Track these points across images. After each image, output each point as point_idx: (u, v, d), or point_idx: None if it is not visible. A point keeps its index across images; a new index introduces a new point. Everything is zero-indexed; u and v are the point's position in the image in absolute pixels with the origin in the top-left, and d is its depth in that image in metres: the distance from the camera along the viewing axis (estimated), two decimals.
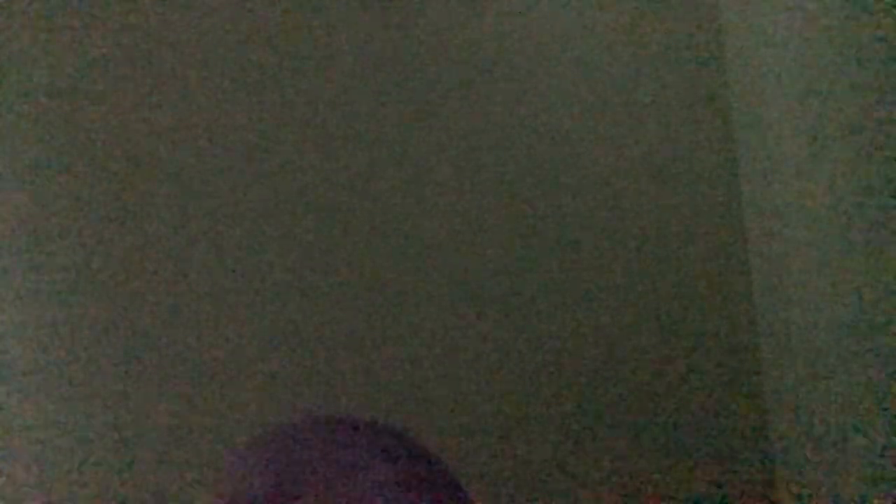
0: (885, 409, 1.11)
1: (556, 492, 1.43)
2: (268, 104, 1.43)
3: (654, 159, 1.46)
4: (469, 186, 1.45)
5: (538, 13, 1.46)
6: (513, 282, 1.45)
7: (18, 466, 1.38)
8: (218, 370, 1.41)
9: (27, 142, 1.40)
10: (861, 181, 1.12)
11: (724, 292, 1.47)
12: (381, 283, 1.43)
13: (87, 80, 1.41)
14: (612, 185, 1.46)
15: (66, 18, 1.40)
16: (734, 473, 1.46)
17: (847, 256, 1.17)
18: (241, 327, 1.42)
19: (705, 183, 1.47)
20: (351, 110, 1.44)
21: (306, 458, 0.96)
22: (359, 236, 1.43)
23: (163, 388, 1.41)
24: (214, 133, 1.42)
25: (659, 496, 1.45)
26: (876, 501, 1.15)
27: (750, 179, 1.43)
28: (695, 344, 1.46)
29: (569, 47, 1.47)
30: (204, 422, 1.41)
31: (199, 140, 1.42)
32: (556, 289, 1.45)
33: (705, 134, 1.47)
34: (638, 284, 1.46)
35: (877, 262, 1.11)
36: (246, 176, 1.42)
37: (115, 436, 1.40)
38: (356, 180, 1.43)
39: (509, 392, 1.44)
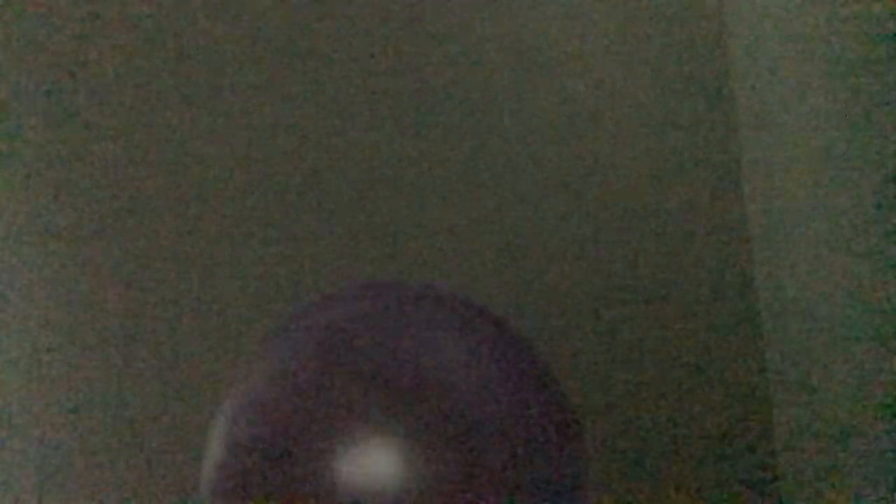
0: (890, 408, 1.11)
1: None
2: (260, 119, 1.43)
3: (657, 157, 1.46)
4: (467, 185, 1.45)
5: (540, 10, 1.46)
6: (513, 279, 1.44)
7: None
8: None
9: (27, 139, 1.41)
10: (867, 177, 1.11)
11: (727, 292, 1.46)
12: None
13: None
14: (612, 182, 1.46)
15: (65, 17, 1.41)
16: (737, 473, 1.45)
17: (852, 253, 1.16)
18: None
19: (708, 182, 1.46)
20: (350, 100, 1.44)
21: (360, 330, 0.76)
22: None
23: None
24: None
25: (662, 495, 1.44)
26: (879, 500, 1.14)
27: (753, 178, 1.43)
28: (697, 342, 1.46)
29: (570, 43, 1.46)
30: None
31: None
32: (554, 293, 1.45)
33: (708, 130, 1.47)
34: (639, 286, 1.45)
35: (881, 260, 1.10)
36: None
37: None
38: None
39: None
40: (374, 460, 0.70)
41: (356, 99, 1.44)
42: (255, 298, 1.42)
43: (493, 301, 1.44)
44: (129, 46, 1.42)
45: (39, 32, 1.41)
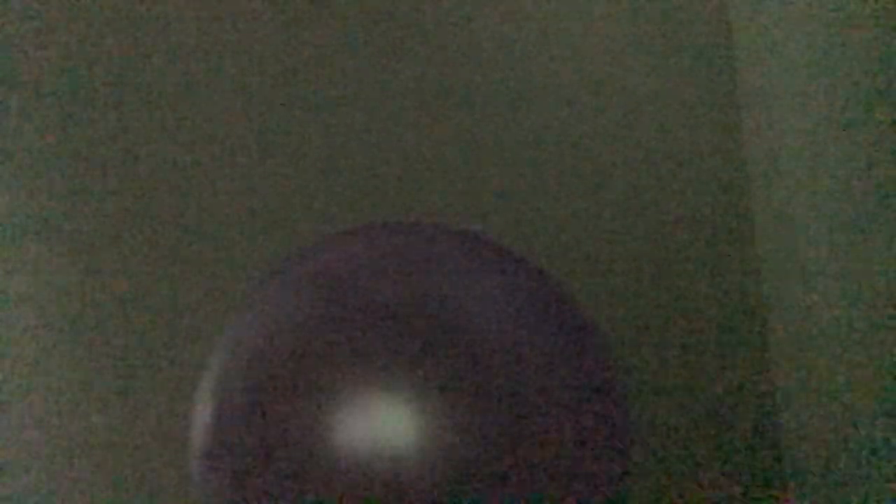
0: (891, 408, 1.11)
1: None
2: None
3: (661, 152, 1.46)
4: (468, 181, 1.44)
5: (543, 7, 1.45)
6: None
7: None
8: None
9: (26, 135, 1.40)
10: (872, 172, 1.11)
11: (733, 290, 1.46)
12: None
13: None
14: (615, 179, 1.45)
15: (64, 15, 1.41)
16: (743, 473, 1.45)
17: (859, 249, 1.16)
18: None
19: (712, 177, 1.46)
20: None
21: (368, 271, 0.60)
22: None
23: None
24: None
25: (668, 496, 1.44)
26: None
27: (758, 173, 1.42)
28: (703, 340, 1.46)
29: (574, 40, 1.46)
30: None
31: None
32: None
33: (712, 124, 1.46)
34: (644, 284, 1.45)
35: (884, 260, 1.10)
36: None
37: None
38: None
39: None
40: (388, 420, 0.57)
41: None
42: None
43: None
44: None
45: (39, 31, 1.40)
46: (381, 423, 0.56)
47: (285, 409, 0.57)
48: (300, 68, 1.44)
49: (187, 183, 1.41)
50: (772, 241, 1.40)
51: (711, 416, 1.46)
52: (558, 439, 0.59)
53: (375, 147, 1.43)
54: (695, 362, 1.46)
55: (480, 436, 0.56)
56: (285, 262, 0.66)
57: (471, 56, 1.45)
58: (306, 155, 1.43)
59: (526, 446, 0.57)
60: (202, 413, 0.64)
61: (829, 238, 1.22)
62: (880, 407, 1.13)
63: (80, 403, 1.40)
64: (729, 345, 1.46)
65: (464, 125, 1.44)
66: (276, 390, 0.58)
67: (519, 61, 1.46)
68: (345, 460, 0.55)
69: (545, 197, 1.45)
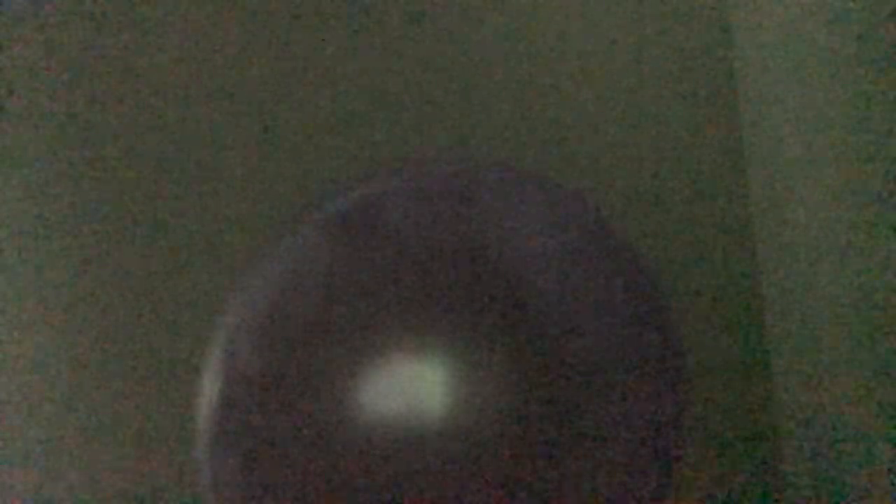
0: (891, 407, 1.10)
1: None
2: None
3: (660, 153, 1.46)
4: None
5: (544, 7, 1.45)
6: None
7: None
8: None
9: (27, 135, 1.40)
10: (872, 172, 1.11)
11: (733, 290, 1.46)
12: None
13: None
14: (615, 179, 1.45)
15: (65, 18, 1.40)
16: (742, 473, 1.45)
17: (859, 249, 1.16)
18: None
19: (711, 177, 1.46)
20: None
21: (390, 208, 0.49)
22: None
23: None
24: None
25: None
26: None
27: (757, 172, 1.42)
28: (702, 339, 1.45)
29: (572, 42, 1.46)
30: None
31: None
32: None
33: (712, 124, 1.46)
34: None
35: (884, 259, 1.10)
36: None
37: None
38: None
39: None
40: (425, 386, 0.44)
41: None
42: None
43: None
44: None
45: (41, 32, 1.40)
46: (418, 390, 0.45)
47: (304, 377, 0.46)
48: (300, 62, 1.43)
49: (187, 181, 1.41)
50: (772, 241, 1.40)
51: (711, 416, 1.45)
52: (614, 410, 0.49)
53: (375, 145, 1.43)
54: (694, 362, 1.46)
55: (533, 405, 0.45)
56: (301, 209, 0.54)
57: (474, 54, 1.45)
58: (307, 154, 1.43)
59: (582, 418, 0.47)
60: (208, 389, 0.53)
61: (829, 238, 1.22)
62: (880, 408, 1.13)
63: (81, 402, 1.39)
64: (728, 344, 1.46)
65: (465, 125, 1.44)
66: (292, 355, 0.46)
67: (521, 62, 1.45)
68: (375, 436, 0.45)
69: None
